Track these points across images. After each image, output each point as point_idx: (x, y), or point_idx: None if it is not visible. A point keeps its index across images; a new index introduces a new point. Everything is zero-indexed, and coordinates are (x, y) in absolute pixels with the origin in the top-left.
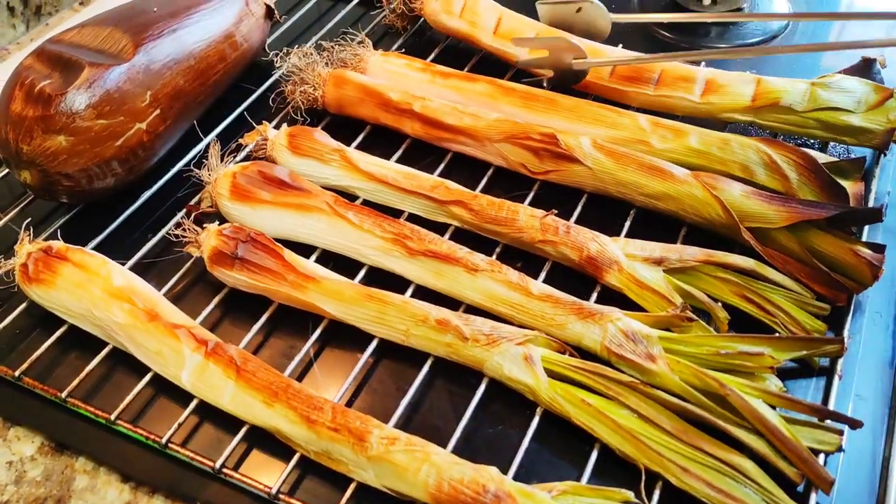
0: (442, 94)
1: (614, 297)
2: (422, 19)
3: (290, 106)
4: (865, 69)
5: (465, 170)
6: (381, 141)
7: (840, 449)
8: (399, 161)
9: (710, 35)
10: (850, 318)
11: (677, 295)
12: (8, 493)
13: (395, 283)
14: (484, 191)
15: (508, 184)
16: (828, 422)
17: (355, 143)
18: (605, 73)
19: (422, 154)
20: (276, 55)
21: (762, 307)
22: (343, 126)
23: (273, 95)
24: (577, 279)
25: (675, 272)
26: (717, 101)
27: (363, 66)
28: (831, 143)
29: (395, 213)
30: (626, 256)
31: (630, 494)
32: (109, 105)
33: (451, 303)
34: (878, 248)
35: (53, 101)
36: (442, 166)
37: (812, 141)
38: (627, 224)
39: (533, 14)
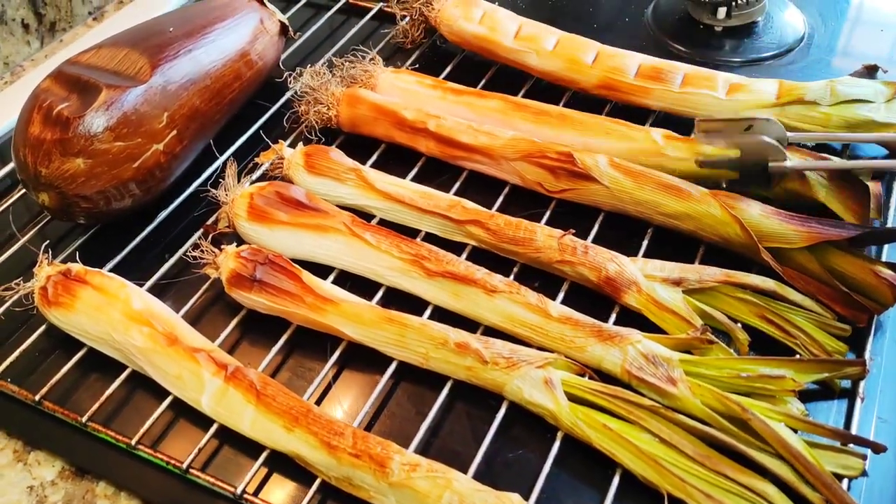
0: (454, 110)
1: (633, 318)
2: (435, 34)
3: (304, 125)
4: (868, 76)
5: (482, 188)
6: (396, 160)
7: (864, 473)
8: (414, 179)
9: (724, 48)
10: (871, 338)
11: (697, 316)
12: None
13: (412, 303)
14: (500, 209)
15: (525, 202)
16: (851, 446)
17: (370, 162)
18: (630, 73)
19: (437, 172)
20: (290, 75)
21: (783, 328)
22: (357, 145)
23: (288, 114)
24: (596, 299)
25: (694, 293)
26: (742, 98)
27: (373, 83)
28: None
29: (411, 233)
30: (645, 277)
31: None
32: (127, 127)
33: (469, 324)
34: None
35: (71, 124)
36: (458, 185)
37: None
38: (645, 243)
39: (552, 24)
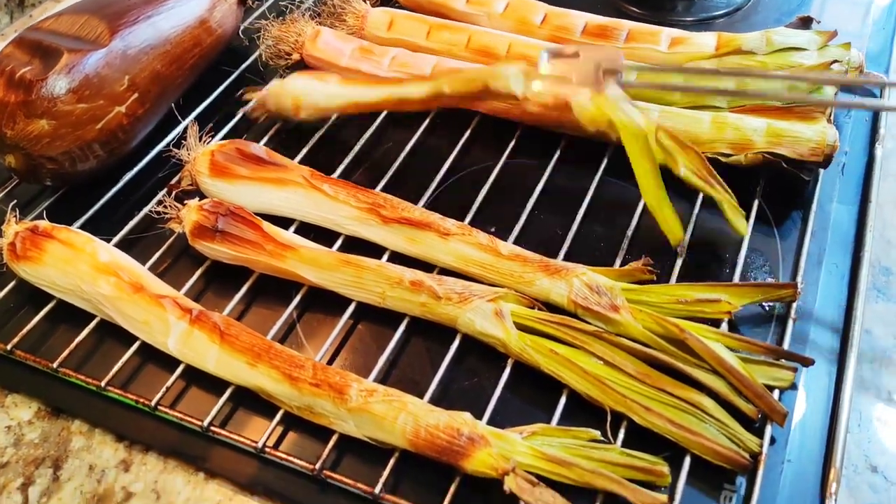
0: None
1: (581, 258)
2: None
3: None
4: (803, 27)
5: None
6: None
7: (793, 385)
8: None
9: (676, 9)
10: (803, 265)
11: None
12: (7, 454)
13: (370, 251)
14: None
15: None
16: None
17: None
18: (577, 31)
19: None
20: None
21: None
22: None
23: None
24: (545, 245)
25: None
26: (683, 50)
27: (361, 24)
28: None
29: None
30: None
31: (596, 433)
32: (89, 89)
33: (425, 267)
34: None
35: (34, 87)
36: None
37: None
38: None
39: None
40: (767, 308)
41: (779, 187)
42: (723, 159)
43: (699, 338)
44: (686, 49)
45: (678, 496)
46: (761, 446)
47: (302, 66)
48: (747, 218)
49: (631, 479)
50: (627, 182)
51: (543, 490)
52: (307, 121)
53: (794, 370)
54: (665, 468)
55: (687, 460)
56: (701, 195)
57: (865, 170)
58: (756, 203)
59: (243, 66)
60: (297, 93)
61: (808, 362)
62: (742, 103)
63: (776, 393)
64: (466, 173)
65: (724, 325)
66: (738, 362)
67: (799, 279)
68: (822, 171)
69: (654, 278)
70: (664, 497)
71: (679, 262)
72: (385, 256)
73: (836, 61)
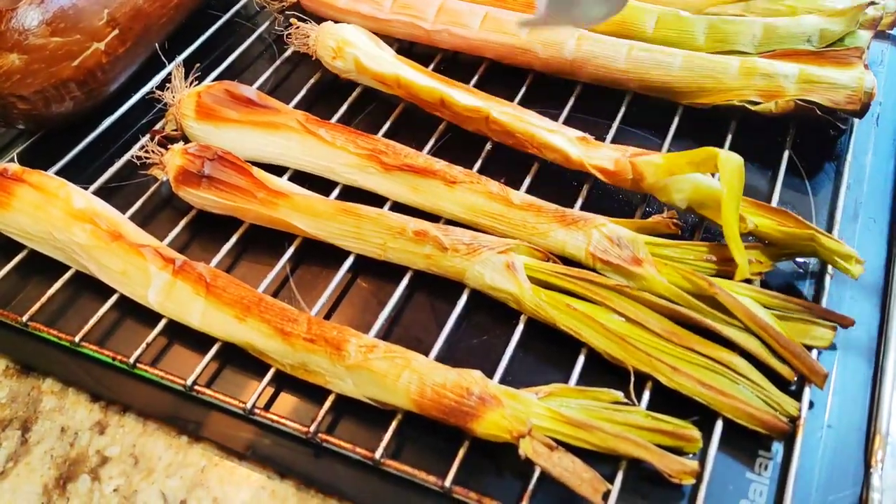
0: None
1: (600, 210)
2: None
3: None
4: None
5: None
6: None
7: (833, 345)
8: None
9: None
10: (838, 219)
11: None
12: None
13: (370, 201)
14: None
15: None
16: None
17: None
18: None
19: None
20: None
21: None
22: None
23: None
24: (560, 191)
25: None
26: None
27: None
28: None
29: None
30: None
31: (619, 394)
32: (64, 21)
33: (429, 218)
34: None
35: (4, 17)
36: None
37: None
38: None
39: None
40: (802, 265)
41: (810, 138)
42: (751, 107)
43: (730, 293)
44: None
45: (709, 463)
46: (800, 410)
47: (297, 7)
48: (776, 172)
49: (658, 445)
50: (646, 132)
51: (562, 455)
52: (337, 70)
53: (834, 328)
54: (695, 433)
55: (718, 425)
56: (729, 138)
57: None
58: (786, 154)
59: (234, 8)
60: (345, 40)
61: (847, 322)
62: (772, 48)
63: (814, 353)
64: None
65: (756, 284)
66: (773, 319)
67: (835, 234)
68: (856, 121)
69: (679, 232)
70: (695, 464)
71: None
72: (386, 207)
73: (871, 3)
